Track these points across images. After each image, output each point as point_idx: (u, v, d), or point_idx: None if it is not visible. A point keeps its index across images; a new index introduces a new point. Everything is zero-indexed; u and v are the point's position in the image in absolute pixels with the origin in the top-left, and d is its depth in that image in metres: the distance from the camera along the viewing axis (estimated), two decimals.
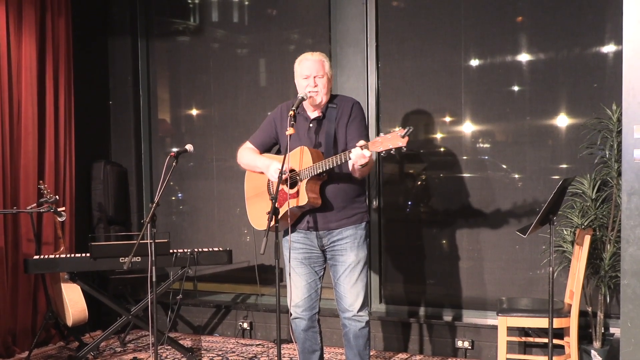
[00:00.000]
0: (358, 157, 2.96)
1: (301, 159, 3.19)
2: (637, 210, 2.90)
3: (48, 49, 4.79)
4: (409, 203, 4.67)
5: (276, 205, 3.04)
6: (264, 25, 5.05)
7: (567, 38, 4.15)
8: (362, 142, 2.97)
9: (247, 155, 3.51)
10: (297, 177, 3.20)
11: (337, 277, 3.34)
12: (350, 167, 3.14)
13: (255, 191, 3.48)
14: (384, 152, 2.90)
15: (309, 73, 3.27)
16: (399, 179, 4.68)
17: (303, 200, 3.17)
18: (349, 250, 3.30)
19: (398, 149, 2.87)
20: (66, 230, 4.80)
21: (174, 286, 4.46)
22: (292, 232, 3.33)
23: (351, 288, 3.31)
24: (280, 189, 3.19)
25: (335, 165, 3.09)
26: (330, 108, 3.32)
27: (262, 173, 3.42)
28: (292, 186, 3.22)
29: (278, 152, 3.53)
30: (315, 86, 3.26)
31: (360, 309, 3.33)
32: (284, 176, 3.13)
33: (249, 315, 4.96)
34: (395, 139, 2.86)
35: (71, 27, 4.97)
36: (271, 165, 3.29)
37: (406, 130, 2.84)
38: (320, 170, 3.12)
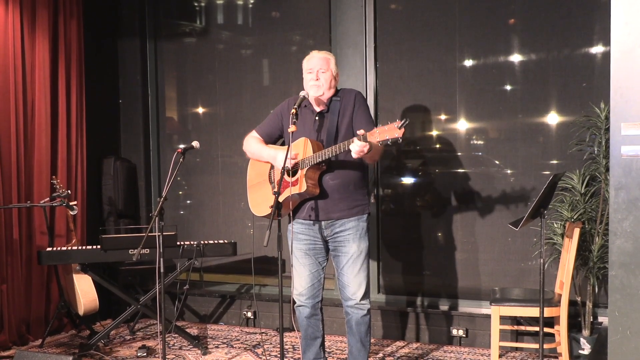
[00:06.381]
0: (357, 152, 3.02)
1: (304, 149, 3.29)
2: (624, 204, 2.88)
3: (60, 50, 4.84)
4: (406, 197, 4.72)
5: (278, 192, 3.12)
6: (267, 27, 5.09)
7: (557, 39, 4.19)
8: (361, 131, 2.98)
9: (254, 144, 3.58)
10: (298, 166, 3.29)
11: (340, 267, 3.41)
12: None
13: (258, 179, 3.56)
14: (381, 142, 2.92)
15: (313, 67, 3.37)
16: (396, 174, 4.73)
17: (302, 187, 3.26)
18: (352, 242, 3.36)
19: (395, 140, 2.89)
20: (78, 224, 4.85)
21: (181, 277, 4.48)
22: (296, 223, 3.42)
23: (354, 277, 3.37)
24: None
25: (333, 155, 3.16)
26: (334, 101, 3.40)
27: (267, 162, 3.52)
28: (293, 174, 3.31)
29: (283, 145, 3.60)
30: (317, 79, 3.34)
31: (362, 298, 3.39)
32: (287, 167, 3.21)
33: (253, 304, 5.01)
34: (392, 130, 2.88)
35: (83, 29, 5.01)
36: (277, 156, 3.39)
37: (402, 121, 2.86)
38: (320, 160, 3.21)
